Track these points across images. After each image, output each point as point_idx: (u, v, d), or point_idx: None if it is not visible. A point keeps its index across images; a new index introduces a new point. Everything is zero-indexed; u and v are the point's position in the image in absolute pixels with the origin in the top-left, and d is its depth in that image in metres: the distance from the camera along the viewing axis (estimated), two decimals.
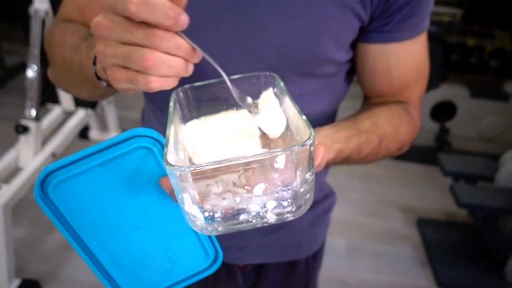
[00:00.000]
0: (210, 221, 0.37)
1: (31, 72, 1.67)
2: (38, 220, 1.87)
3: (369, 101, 0.64)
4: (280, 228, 0.69)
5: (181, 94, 0.47)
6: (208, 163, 0.33)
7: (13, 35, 3.46)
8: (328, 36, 0.53)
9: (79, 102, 2.02)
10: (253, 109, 0.46)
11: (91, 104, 2.05)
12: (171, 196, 0.39)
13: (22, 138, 1.64)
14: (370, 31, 0.57)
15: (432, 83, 2.52)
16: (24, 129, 1.60)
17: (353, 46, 0.59)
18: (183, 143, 0.43)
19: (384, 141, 0.55)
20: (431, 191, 2.33)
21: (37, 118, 1.67)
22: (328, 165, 0.51)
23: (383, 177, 2.42)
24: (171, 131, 0.39)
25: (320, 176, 0.70)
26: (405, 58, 0.59)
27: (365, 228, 2.04)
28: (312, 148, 0.36)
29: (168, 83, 0.39)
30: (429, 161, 2.45)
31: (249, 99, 0.46)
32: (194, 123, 0.47)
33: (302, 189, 0.37)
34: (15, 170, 1.64)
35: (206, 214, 0.36)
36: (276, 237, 0.70)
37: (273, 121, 0.43)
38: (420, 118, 0.65)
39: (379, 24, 0.56)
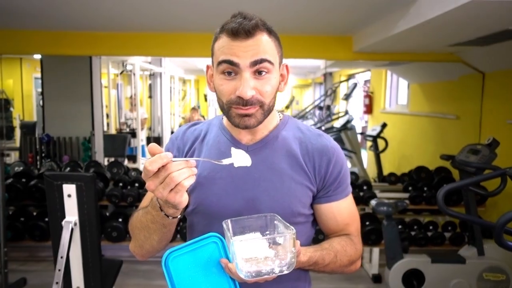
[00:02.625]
0: (248, 275, 0.76)
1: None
2: None
3: (328, 237, 1.05)
4: None
5: (228, 222, 0.86)
6: (245, 239, 0.77)
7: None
8: (296, 200, 0.97)
9: None
10: None
11: None
12: (225, 269, 0.79)
13: None
14: (319, 197, 1.01)
15: (395, 255, 2.90)
16: None
17: (312, 206, 1.02)
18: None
19: (338, 255, 0.95)
20: None
21: None
22: (303, 266, 0.89)
23: None
24: (227, 236, 0.80)
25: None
26: (342, 209, 1.02)
27: None
28: (294, 236, 0.77)
29: (188, 183, 0.78)
30: None
31: None
32: (237, 237, 0.86)
33: (290, 255, 0.77)
34: None
35: (248, 265, 0.76)
36: None
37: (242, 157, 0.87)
38: (361, 243, 1.05)
39: (323, 193, 1.01)
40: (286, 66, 1.00)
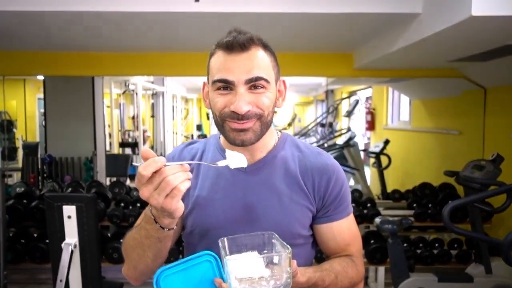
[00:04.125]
0: None
1: None
2: None
3: (329, 258, 1.02)
4: None
5: (224, 240, 0.84)
6: (238, 258, 0.75)
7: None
8: (295, 221, 0.95)
9: None
10: None
11: None
12: None
13: None
14: (318, 217, 0.99)
15: (401, 274, 2.84)
16: None
17: (311, 227, 0.99)
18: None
19: (338, 276, 0.92)
20: None
21: None
22: (302, 287, 0.85)
23: None
24: (222, 255, 0.78)
25: None
26: (342, 229, 0.99)
27: None
28: (290, 255, 0.75)
29: (185, 187, 0.74)
30: None
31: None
32: (231, 256, 0.83)
33: (285, 276, 0.75)
34: None
35: (242, 285, 0.74)
36: None
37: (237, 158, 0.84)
38: (362, 265, 1.02)
39: (323, 213, 0.99)
40: (284, 81, 0.99)
